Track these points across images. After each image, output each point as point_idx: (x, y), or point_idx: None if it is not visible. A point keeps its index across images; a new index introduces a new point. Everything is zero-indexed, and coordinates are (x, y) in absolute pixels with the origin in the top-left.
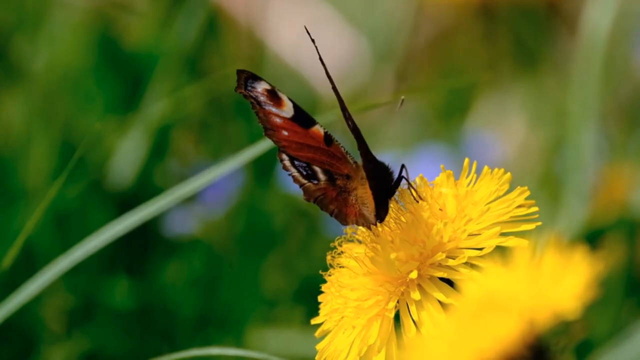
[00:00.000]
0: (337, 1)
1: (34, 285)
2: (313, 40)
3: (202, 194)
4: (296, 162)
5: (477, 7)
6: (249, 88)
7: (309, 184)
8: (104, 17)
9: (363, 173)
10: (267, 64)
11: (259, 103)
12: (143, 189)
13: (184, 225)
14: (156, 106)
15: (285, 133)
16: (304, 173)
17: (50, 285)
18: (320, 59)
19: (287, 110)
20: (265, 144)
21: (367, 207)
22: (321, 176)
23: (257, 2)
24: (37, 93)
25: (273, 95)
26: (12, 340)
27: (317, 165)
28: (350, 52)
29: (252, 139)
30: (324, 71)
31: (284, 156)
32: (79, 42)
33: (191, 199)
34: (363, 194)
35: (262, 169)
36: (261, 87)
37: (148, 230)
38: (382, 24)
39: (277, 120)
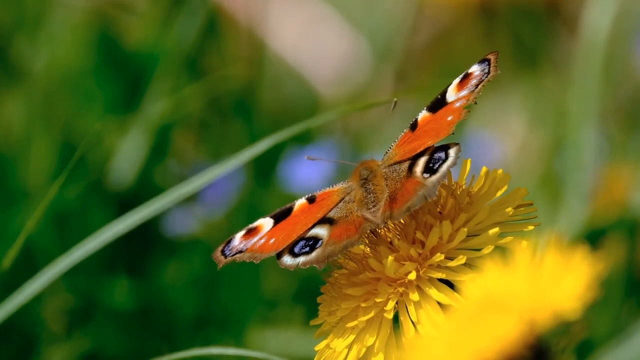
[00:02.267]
0: (336, 1)
1: (34, 285)
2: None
3: (202, 193)
4: (296, 249)
5: (477, 6)
6: (227, 253)
7: (317, 252)
8: (104, 17)
9: (364, 173)
10: (267, 64)
11: (241, 251)
12: (143, 189)
13: (184, 225)
14: (156, 106)
15: (273, 240)
16: (307, 249)
17: (51, 285)
18: None
19: (266, 226)
20: (265, 144)
21: (372, 208)
22: (321, 231)
23: (257, 2)
24: (37, 93)
25: (249, 231)
26: (12, 340)
27: (312, 227)
28: (350, 52)
29: (252, 139)
30: (323, 71)
31: (284, 259)
32: (79, 42)
33: (191, 199)
34: (365, 195)
35: (262, 168)
36: (237, 239)
37: (148, 230)
38: (382, 23)
39: (262, 240)
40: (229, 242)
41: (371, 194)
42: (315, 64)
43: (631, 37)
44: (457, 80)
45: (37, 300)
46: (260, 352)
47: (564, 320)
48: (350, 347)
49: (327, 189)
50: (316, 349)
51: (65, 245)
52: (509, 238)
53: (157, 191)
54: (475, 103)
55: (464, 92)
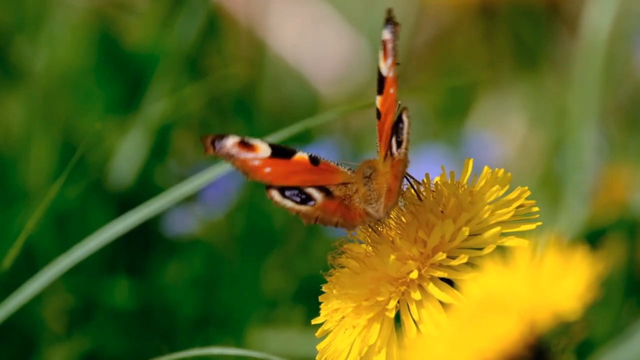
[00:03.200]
0: (337, 1)
1: (34, 285)
2: None
3: (202, 193)
4: (287, 192)
5: (477, 7)
6: (217, 147)
7: (306, 208)
8: (104, 17)
9: (367, 171)
10: (267, 64)
11: (232, 156)
12: (143, 189)
13: (184, 225)
14: (156, 106)
15: (268, 170)
16: (298, 200)
17: (51, 285)
18: None
19: (263, 152)
20: None
21: (374, 203)
22: (316, 195)
23: (257, 2)
24: (38, 93)
25: (244, 144)
26: (13, 340)
27: (309, 186)
28: (350, 52)
29: None
30: (324, 71)
31: (273, 192)
32: (79, 42)
33: (191, 199)
34: (367, 192)
35: None
36: (230, 142)
37: (148, 230)
38: (382, 23)
39: (256, 162)
40: (222, 137)
41: (373, 192)
42: (315, 63)
43: (631, 37)
44: (380, 53)
45: (37, 300)
46: (260, 352)
47: (564, 320)
48: (352, 345)
49: (331, 162)
50: (318, 347)
51: (65, 245)
52: (510, 238)
53: (157, 191)
54: (399, 64)
55: (390, 60)
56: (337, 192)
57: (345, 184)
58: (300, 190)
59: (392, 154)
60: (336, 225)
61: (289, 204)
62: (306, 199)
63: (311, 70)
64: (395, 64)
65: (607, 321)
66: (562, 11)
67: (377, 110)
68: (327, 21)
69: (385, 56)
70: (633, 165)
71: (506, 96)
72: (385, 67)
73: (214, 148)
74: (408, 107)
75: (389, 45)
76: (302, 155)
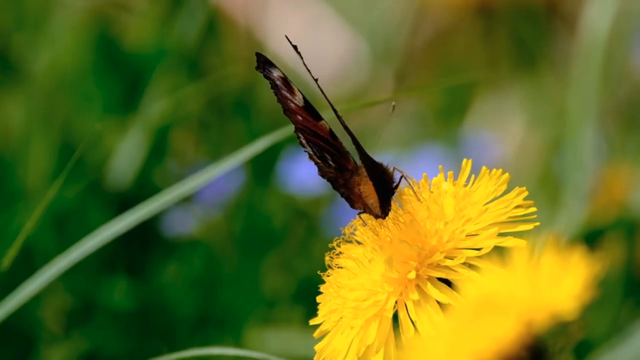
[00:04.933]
0: (336, 1)
1: (33, 285)
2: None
3: (201, 193)
4: (310, 144)
5: (476, 7)
6: (267, 71)
7: (323, 164)
8: (104, 17)
9: (364, 172)
10: None
11: (276, 86)
12: (142, 189)
13: (183, 225)
14: (155, 106)
15: (300, 118)
16: (318, 154)
17: (49, 285)
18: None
19: (299, 99)
20: (263, 144)
21: (370, 202)
22: (332, 163)
23: (256, 3)
24: (37, 93)
25: (286, 83)
26: (11, 341)
27: (327, 154)
28: (349, 52)
29: (252, 139)
30: (323, 71)
31: (300, 134)
32: (78, 43)
33: (190, 199)
34: (365, 190)
35: (261, 168)
36: (276, 74)
37: (147, 230)
38: (381, 23)
39: (292, 105)
40: (270, 64)
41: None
42: (314, 63)
43: (630, 37)
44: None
45: (36, 300)
46: (259, 352)
47: (562, 321)
48: (350, 346)
49: (345, 147)
50: (316, 348)
51: (64, 245)
52: (508, 238)
53: (156, 191)
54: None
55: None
56: (346, 174)
57: (351, 172)
58: (321, 151)
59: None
60: (342, 195)
61: (310, 151)
62: (324, 160)
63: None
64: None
65: (605, 321)
66: (561, 11)
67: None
68: (326, 21)
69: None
70: (632, 165)
71: (505, 96)
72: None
73: (264, 69)
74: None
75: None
76: (325, 124)
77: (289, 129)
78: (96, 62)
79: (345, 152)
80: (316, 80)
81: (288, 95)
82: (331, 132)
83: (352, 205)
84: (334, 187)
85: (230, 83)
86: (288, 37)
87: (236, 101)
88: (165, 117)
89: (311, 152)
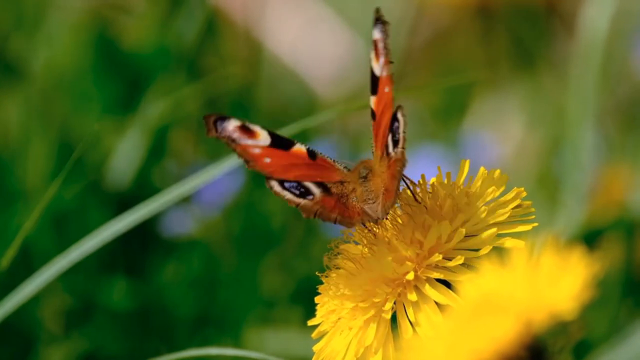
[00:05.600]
0: (334, 1)
1: (31, 285)
2: None
3: (200, 194)
4: (286, 184)
5: (475, 7)
6: (219, 129)
7: (305, 201)
8: (102, 18)
9: (363, 171)
10: (264, 64)
11: (233, 140)
12: (141, 189)
13: (182, 226)
14: (154, 106)
15: (268, 160)
16: (297, 192)
17: (48, 285)
18: None
19: (263, 139)
20: None
21: (372, 204)
22: (315, 190)
23: (255, 3)
24: (35, 94)
25: (245, 129)
26: (10, 341)
27: (307, 181)
28: (348, 53)
29: None
30: (322, 72)
31: (272, 182)
32: (76, 43)
33: (189, 199)
34: (364, 192)
35: None
36: (232, 125)
37: (146, 231)
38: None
39: (256, 150)
40: (224, 119)
41: (370, 192)
42: (313, 64)
43: (629, 37)
44: (372, 54)
45: (35, 300)
46: (258, 352)
47: (561, 321)
48: (348, 346)
49: (328, 157)
50: (314, 348)
51: (63, 246)
52: (507, 238)
53: (155, 191)
54: (392, 62)
55: (382, 59)
56: (334, 189)
57: (342, 182)
58: (299, 183)
59: (388, 154)
60: (335, 221)
61: (288, 195)
62: (305, 192)
63: (309, 71)
64: (389, 62)
65: (604, 321)
66: (560, 11)
67: (372, 110)
68: (324, 22)
69: (377, 56)
70: (631, 165)
71: (504, 96)
72: (378, 67)
73: (216, 130)
74: (403, 106)
75: (380, 45)
76: (300, 148)
77: (288, 130)
78: (95, 62)
79: (330, 164)
80: None
81: (249, 142)
82: (309, 152)
83: (350, 223)
84: (325, 219)
85: (229, 83)
86: (287, 37)
87: (235, 101)
88: (164, 117)
89: (290, 196)
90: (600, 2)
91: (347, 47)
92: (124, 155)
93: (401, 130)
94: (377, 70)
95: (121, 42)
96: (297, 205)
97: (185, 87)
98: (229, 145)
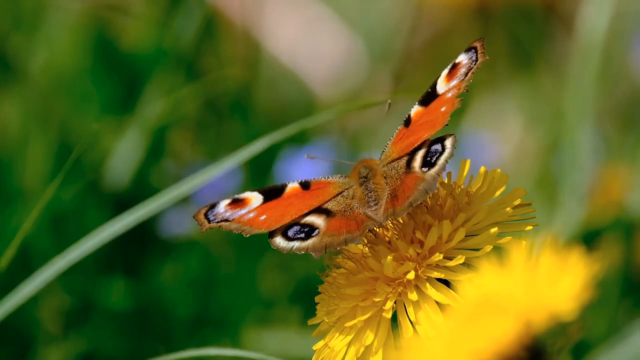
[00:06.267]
0: (333, 2)
1: (30, 286)
2: None
3: (199, 194)
4: (289, 233)
5: (474, 7)
6: (212, 218)
7: (313, 240)
8: (101, 18)
9: (363, 171)
10: (263, 65)
11: (227, 220)
12: (140, 189)
13: (181, 226)
14: (153, 107)
15: (263, 217)
16: (303, 235)
17: (47, 286)
18: None
19: (255, 201)
20: (261, 144)
21: (373, 206)
22: (317, 221)
23: (253, 3)
24: (34, 94)
25: (236, 201)
26: (9, 341)
27: (307, 214)
28: (347, 53)
29: (249, 140)
30: (320, 72)
31: (277, 239)
32: (75, 44)
33: (188, 200)
34: (364, 192)
35: (258, 169)
36: (222, 206)
37: (145, 231)
38: (379, 24)
39: (251, 215)
40: (213, 207)
41: (372, 193)
42: (311, 64)
43: (627, 37)
44: (445, 72)
45: (34, 300)
46: (257, 352)
47: (560, 321)
48: (348, 346)
49: (322, 179)
50: (314, 348)
51: (62, 246)
52: (507, 238)
53: (154, 192)
54: (467, 91)
55: (454, 82)
56: (335, 207)
57: (341, 193)
58: (301, 225)
59: (410, 166)
60: (345, 243)
61: (296, 245)
62: (310, 230)
63: (307, 71)
64: (460, 89)
65: (603, 322)
66: (558, 11)
67: (409, 117)
68: (323, 22)
69: (452, 77)
70: (629, 165)
71: (503, 96)
72: (445, 86)
73: (209, 220)
74: (455, 136)
75: (462, 70)
76: (293, 186)
77: (287, 130)
78: (93, 63)
79: (324, 183)
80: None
81: (242, 211)
82: (302, 185)
83: (358, 236)
84: (336, 246)
85: (228, 84)
86: (286, 38)
87: (233, 102)
88: (163, 117)
89: (298, 245)
90: (598, 3)
91: (345, 47)
92: (123, 155)
93: (443, 158)
94: (441, 89)
95: (120, 42)
96: (307, 250)
97: (183, 88)
98: (225, 228)
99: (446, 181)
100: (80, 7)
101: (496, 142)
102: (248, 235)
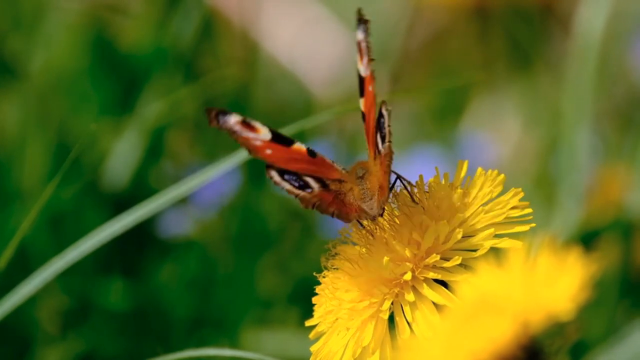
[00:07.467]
0: (331, 2)
1: (28, 286)
2: None
3: (197, 195)
4: (286, 176)
5: (472, 8)
6: (221, 121)
7: (304, 193)
8: (99, 19)
9: (360, 172)
10: (261, 65)
11: (234, 132)
12: (138, 190)
13: (179, 226)
14: (151, 107)
15: (269, 151)
16: (296, 184)
17: (45, 286)
18: None
19: (264, 134)
20: None
21: (368, 202)
22: (313, 184)
23: (251, 4)
24: (32, 94)
25: (246, 124)
26: (7, 342)
27: (307, 175)
28: (345, 53)
29: None
30: (319, 72)
31: (273, 172)
32: (74, 44)
33: (186, 200)
34: (361, 191)
35: (256, 170)
36: (233, 120)
37: (143, 231)
38: (377, 24)
39: (258, 142)
40: (225, 113)
41: (367, 191)
42: (310, 64)
43: (625, 37)
44: (357, 55)
45: (32, 301)
46: (255, 353)
47: (558, 321)
48: (346, 347)
49: (328, 158)
50: (312, 349)
51: (60, 246)
52: (504, 239)
53: (152, 192)
54: (373, 60)
55: (365, 59)
56: (332, 186)
57: (339, 180)
58: (298, 176)
59: (378, 151)
60: (332, 215)
61: (287, 186)
62: (304, 186)
63: (306, 71)
64: (370, 60)
65: (601, 322)
66: (556, 12)
67: (362, 112)
68: (321, 22)
69: (361, 56)
70: (628, 165)
71: (500, 97)
72: (363, 67)
73: (218, 122)
74: (386, 101)
75: (363, 44)
76: (300, 146)
77: (286, 130)
78: (92, 63)
79: (329, 163)
80: None
81: (251, 135)
82: (309, 151)
83: (347, 218)
84: (323, 211)
85: (226, 84)
86: (284, 38)
87: (232, 102)
88: (161, 118)
89: (289, 187)
90: (596, 3)
91: (344, 47)
92: (121, 156)
93: (386, 124)
94: (362, 71)
95: (118, 43)
96: (296, 196)
97: (182, 88)
98: (230, 136)
99: (443, 182)
100: (79, 7)
101: (494, 142)
102: (250, 155)
